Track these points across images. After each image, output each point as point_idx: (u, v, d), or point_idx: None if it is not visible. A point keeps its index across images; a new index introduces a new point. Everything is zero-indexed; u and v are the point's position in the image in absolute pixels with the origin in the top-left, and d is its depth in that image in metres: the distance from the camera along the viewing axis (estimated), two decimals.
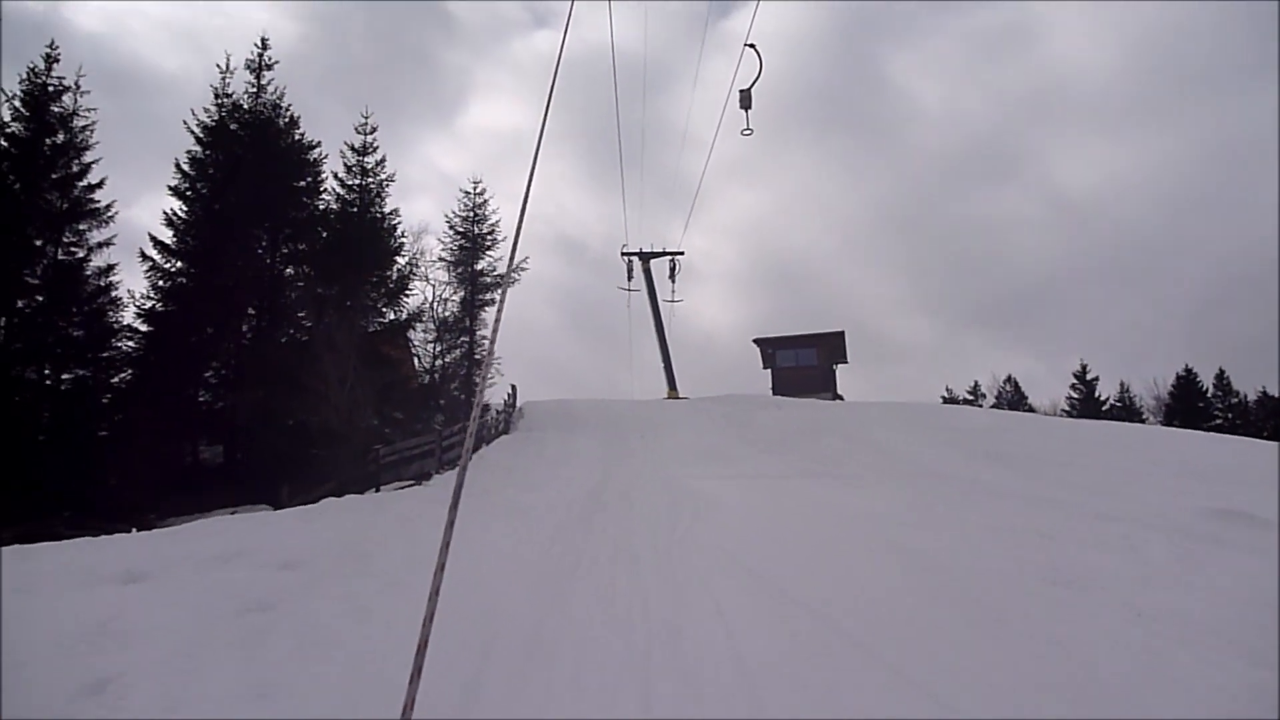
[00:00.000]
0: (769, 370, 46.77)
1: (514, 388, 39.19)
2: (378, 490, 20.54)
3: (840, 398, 45.19)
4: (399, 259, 31.64)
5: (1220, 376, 64.40)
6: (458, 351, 36.04)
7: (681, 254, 45.79)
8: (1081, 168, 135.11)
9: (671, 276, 45.94)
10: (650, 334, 46.22)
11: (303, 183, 32.56)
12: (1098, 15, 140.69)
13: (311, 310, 27.20)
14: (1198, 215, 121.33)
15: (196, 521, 13.90)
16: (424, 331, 34.88)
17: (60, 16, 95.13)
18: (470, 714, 5.65)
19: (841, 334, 46.57)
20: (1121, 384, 67.83)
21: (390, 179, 32.18)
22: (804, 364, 45.52)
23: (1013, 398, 73.05)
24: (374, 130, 32.26)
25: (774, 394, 44.43)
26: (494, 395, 40.32)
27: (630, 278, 46.15)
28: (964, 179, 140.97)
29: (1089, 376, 70.82)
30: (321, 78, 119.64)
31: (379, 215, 31.53)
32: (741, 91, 15.31)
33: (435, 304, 35.68)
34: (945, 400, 72.52)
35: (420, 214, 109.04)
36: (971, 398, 74.49)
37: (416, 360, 35.17)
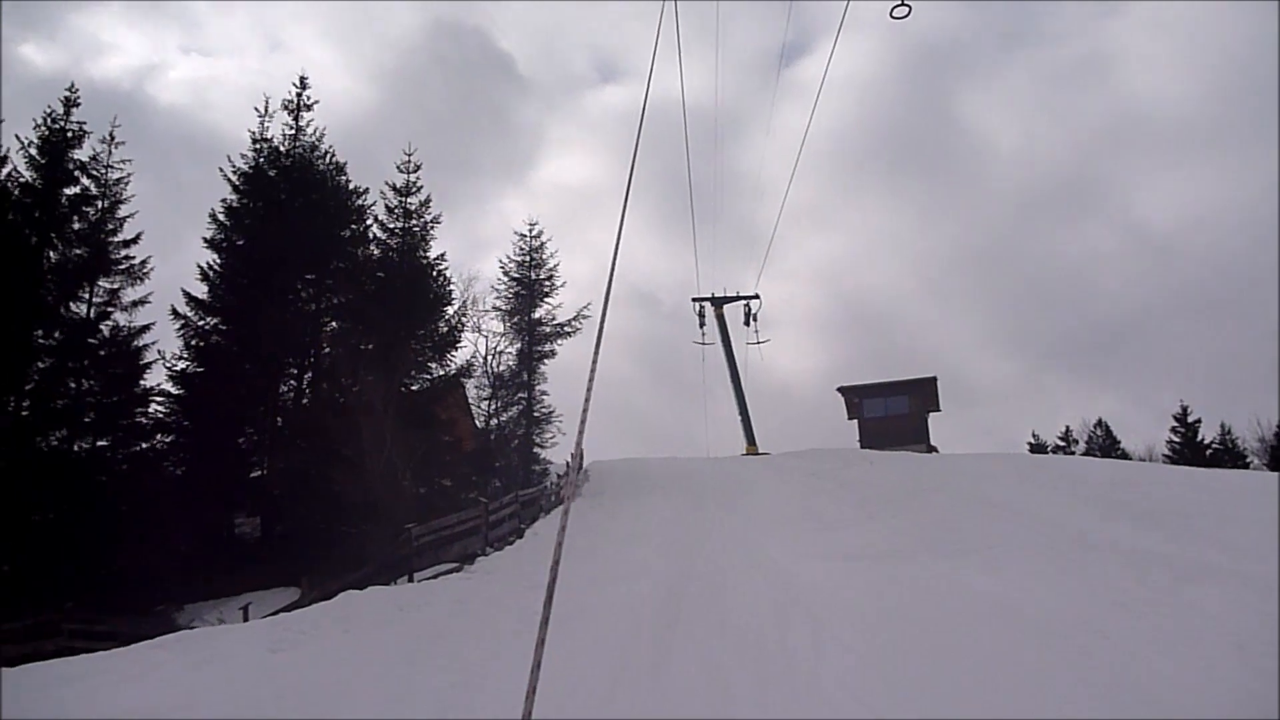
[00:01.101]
0: (855, 421, 42.22)
1: (580, 448, 35.64)
2: (411, 579, 16.93)
3: (934, 449, 40.65)
4: (447, 308, 28.22)
5: None
6: (515, 409, 32.45)
7: (756, 298, 41.98)
8: (1163, 200, 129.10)
9: (747, 322, 42.13)
10: (725, 385, 42.37)
11: (347, 232, 29.56)
12: (1174, 43, 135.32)
13: (349, 368, 23.90)
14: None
15: (122, 650, 10.22)
16: (477, 388, 31.52)
17: (143, 92, 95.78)
18: None
19: (934, 380, 41.92)
20: (1222, 425, 62.19)
21: (436, 221, 28.88)
22: (894, 413, 40.97)
23: (1104, 442, 68.29)
24: (418, 169, 29.11)
25: (861, 446, 40.07)
26: (557, 454, 37.05)
27: (702, 326, 42.50)
28: (1042, 216, 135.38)
29: (1190, 418, 65.46)
30: (400, 142, 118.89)
31: (424, 261, 28.18)
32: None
33: (489, 357, 32.21)
34: (1033, 447, 68.05)
35: (494, 271, 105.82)
36: (1063, 443, 69.76)
37: (475, 420, 31.75)
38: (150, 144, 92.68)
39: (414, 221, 28.49)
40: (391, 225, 28.37)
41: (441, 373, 27.36)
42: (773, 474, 29.71)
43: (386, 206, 28.53)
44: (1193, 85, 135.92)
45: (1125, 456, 57.56)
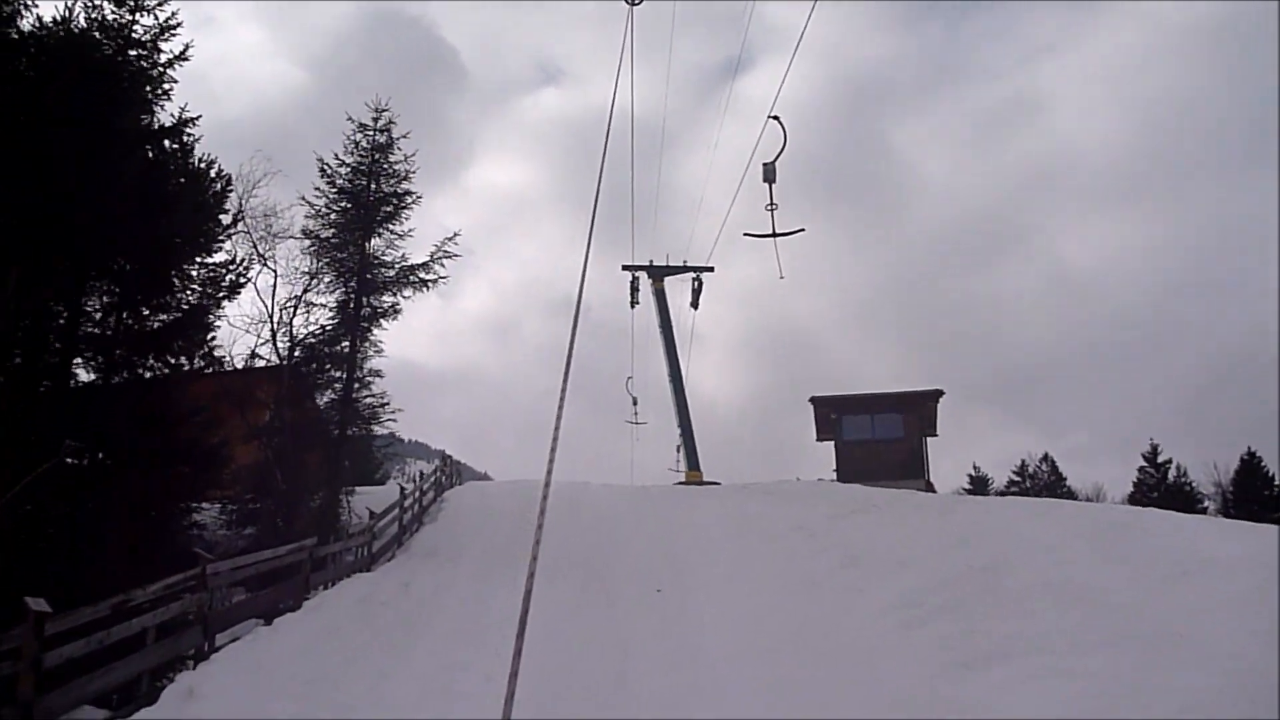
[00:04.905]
0: (830, 443, 30.25)
1: (447, 459, 23.25)
2: None
3: (931, 486, 28.99)
4: (197, 211, 15.00)
5: None
6: (327, 394, 19.58)
7: (711, 270, 29.94)
8: (1084, 244, 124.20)
9: (695, 303, 30.14)
10: (657, 393, 30.73)
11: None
12: (1104, 92, 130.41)
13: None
14: (1199, 296, 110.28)
15: None
16: (251, 354, 18.47)
17: None
18: None
19: (937, 395, 30.04)
20: (1179, 466, 55.04)
21: (181, 58, 15.13)
22: (883, 436, 29.14)
23: (1049, 479, 62.07)
24: None
25: (839, 478, 28.26)
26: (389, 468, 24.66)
27: (634, 304, 30.45)
28: (965, 252, 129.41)
29: (1160, 459, 58.75)
30: (328, 128, 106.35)
31: (151, 109, 14.75)
32: (765, 165, 12.49)
33: (285, 309, 19.10)
34: (972, 480, 60.87)
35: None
36: (1018, 479, 63.00)
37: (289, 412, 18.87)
38: None
39: (135, 30, 14.79)
40: (100, 39, 14.61)
41: (167, 317, 14.30)
42: (731, 525, 17.79)
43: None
44: (1117, 133, 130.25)
45: (1072, 495, 51.36)
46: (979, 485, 58.20)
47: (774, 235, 12.67)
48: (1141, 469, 56.79)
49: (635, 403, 34.98)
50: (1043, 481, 60.26)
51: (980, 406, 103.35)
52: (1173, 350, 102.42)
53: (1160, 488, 55.23)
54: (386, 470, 39.33)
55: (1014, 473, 61.72)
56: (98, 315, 13.71)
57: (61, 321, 13.16)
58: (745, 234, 13.21)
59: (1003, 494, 51.39)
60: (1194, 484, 56.33)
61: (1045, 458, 59.55)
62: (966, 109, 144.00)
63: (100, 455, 13.05)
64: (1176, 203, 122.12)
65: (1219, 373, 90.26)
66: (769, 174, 12.54)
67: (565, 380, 4.83)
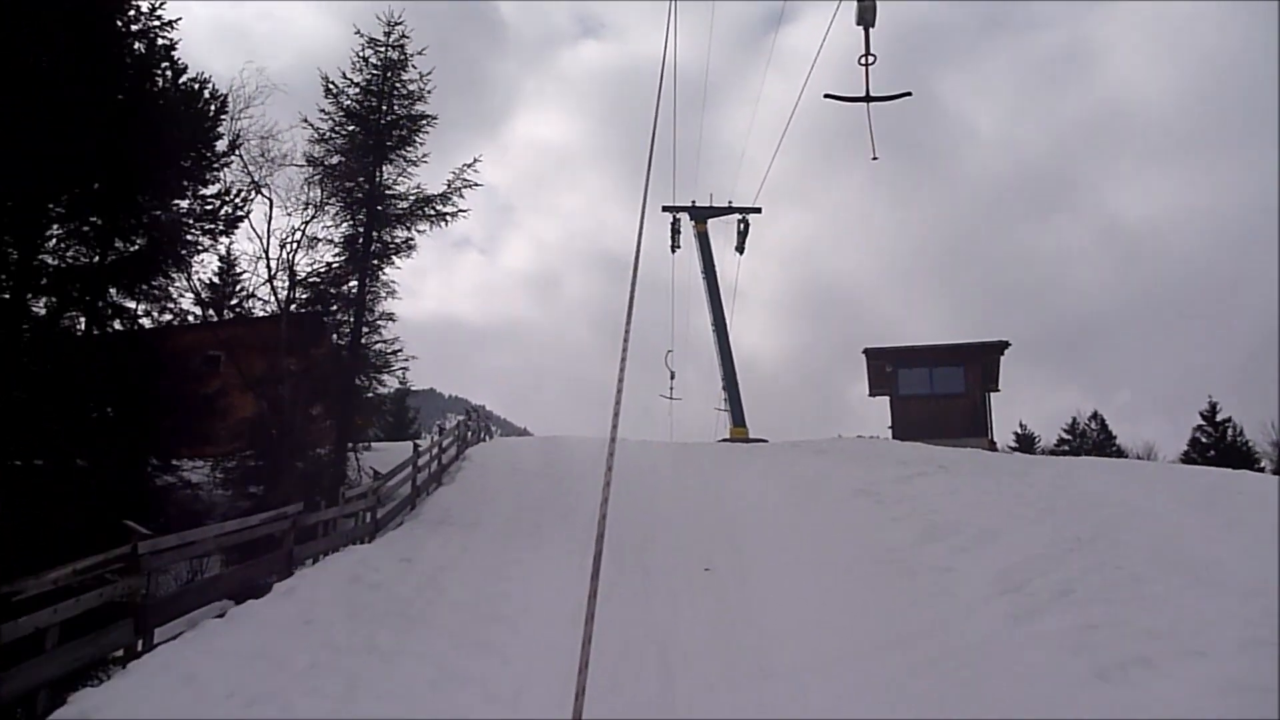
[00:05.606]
0: (885, 398, 27.95)
1: (472, 413, 21.29)
2: None
3: (994, 445, 26.52)
4: (167, 123, 12.88)
5: None
6: (332, 340, 17.52)
7: (758, 211, 27.53)
8: (1137, 198, 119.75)
9: (740, 247, 27.78)
10: (697, 347, 28.54)
11: None
12: (1160, 42, 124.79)
13: None
14: (1250, 252, 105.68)
15: None
16: (246, 296, 16.45)
17: None
18: None
19: (1000, 346, 27.52)
20: (1234, 424, 52.04)
21: None
22: (942, 391, 26.76)
23: (1099, 437, 58.68)
24: None
25: (895, 435, 25.91)
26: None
27: (675, 248, 28.05)
28: (1015, 206, 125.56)
29: (1219, 417, 54.99)
30: None
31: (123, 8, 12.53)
32: (860, 2, 8.78)
33: (286, 246, 17.15)
34: (1019, 438, 57.97)
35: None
36: (1069, 437, 59.51)
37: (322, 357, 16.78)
38: None
39: None
40: None
41: (140, 246, 12.24)
42: (786, 488, 15.54)
43: None
44: (1175, 84, 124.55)
45: (1122, 454, 48.96)
46: (1026, 443, 55.82)
47: (867, 99, 8.80)
48: (1198, 427, 53.96)
49: (673, 377, 32.55)
50: (1093, 440, 57.66)
51: (1023, 363, 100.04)
52: (1224, 307, 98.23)
53: (1218, 446, 52.42)
54: (424, 425, 37.52)
55: (1064, 430, 59.10)
56: (54, 245, 11.68)
57: (13, 253, 11.14)
58: (826, 95, 9.20)
59: (1053, 452, 49.05)
60: (1251, 443, 53.75)
61: (1095, 415, 57.51)
62: (1016, 59, 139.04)
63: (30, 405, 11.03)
64: (1233, 156, 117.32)
65: (1271, 331, 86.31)
66: (866, 13, 8.92)
67: (625, 345, 4.66)
